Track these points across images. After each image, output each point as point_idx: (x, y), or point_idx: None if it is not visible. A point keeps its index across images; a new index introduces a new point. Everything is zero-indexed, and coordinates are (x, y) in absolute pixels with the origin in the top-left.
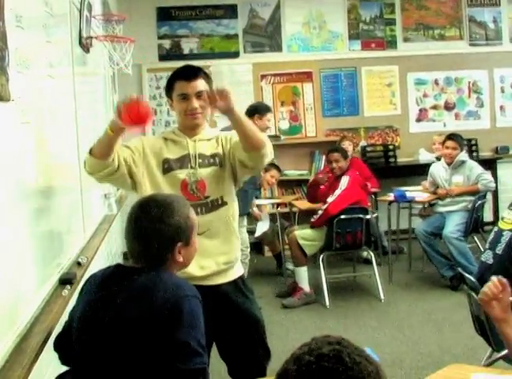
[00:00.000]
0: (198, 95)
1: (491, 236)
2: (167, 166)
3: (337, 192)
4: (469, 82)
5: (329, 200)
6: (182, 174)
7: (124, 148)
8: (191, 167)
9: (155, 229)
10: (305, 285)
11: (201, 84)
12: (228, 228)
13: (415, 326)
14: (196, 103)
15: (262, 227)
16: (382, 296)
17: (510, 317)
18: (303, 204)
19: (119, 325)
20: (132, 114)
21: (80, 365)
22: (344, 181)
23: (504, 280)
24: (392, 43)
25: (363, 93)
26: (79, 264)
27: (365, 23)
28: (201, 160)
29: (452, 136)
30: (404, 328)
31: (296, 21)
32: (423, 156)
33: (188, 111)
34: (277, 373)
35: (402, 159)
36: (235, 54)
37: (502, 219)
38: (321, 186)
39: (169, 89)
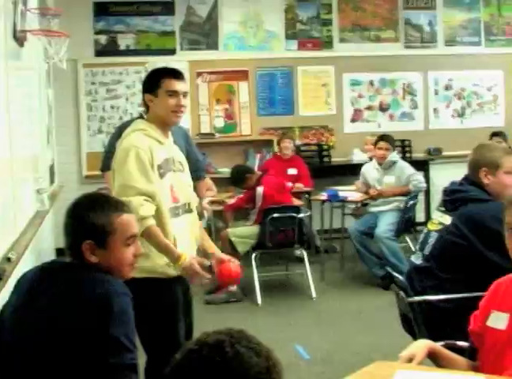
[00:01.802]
0: (184, 95)
1: (421, 237)
2: (162, 171)
3: (255, 211)
4: (404, 84)
5: (252, 217)
6: (169, 177)
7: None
8: (173, 171)
9: (67, 222)
10: None
11: (186, 86)
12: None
13: (346, 324)
14: (183, 101)
15: None
16: (313, 294)
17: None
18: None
19: (48, 320)
20: (225, 278)
21: (7, 361)
22: (259, 195)
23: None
24: (328, 44)
25: (299, 93)
26: (9, 259)
27: (302, 23)
28: (176, 164)
29: (384, 137)
30: (335, 326)
31: (233, 20)
32: (357, 156)
33: (176, 108)
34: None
35: (336, 159)
36: (172, 51)
37: (431, 220)
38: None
39: (154, 85)
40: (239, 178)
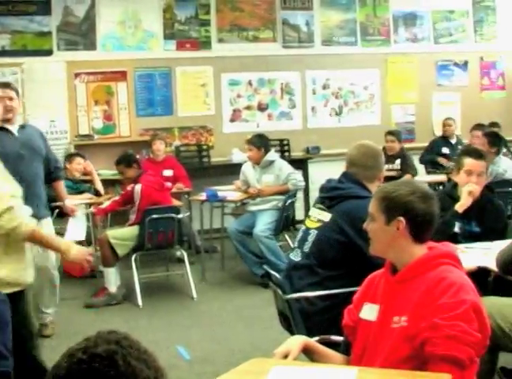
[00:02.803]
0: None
1: (300, 235)
2: None
3: (135, 209)
4: (282, 83)
5: (132, 217)
6: None
7: None
8: None
9: None
10: (111, 285)
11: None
12: None
13: (227, 323)
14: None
15: (76, 231)
16: (194, 295)
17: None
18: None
19: None
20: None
21: None
22: (137, 192)
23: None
24: (206, 44)
25: (178, 93)
26: None
27: (180, 23)
28: None
29: (250, 140)
30: (216, 326)
31: (111, 20)
32: (237, 156)
33: None
34: (53, 366)
35: (216, 159)
36: (49, 52)
37: (309, 217)
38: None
39: None
40: (128, 160)
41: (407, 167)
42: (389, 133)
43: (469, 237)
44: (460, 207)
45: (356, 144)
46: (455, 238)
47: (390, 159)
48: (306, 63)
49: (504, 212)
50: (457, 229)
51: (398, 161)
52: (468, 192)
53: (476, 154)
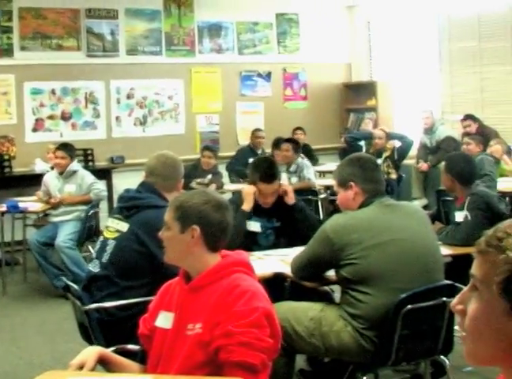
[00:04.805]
0: None
1: (98, 245)
2: None
3: None
4: (86, 93)
5: None
6: None
7: None
8: None
9: None
10: None
11: None
12: None
13: (28, 338)
14: None
15: None
16: None
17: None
18: None
19: None
20: None
21: None
22: None
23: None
24: (8, 51)
25: None
26: None
27: None
28: None
29: (60, 147)
30: (18, 340)
31: None
32: (39, 166)
33: None
34: None
35: (18, 169)
36: None
37: (107, 227)
38: None
39: None
40: None
41: (216, 181)
42: (207, 148)
43: (273, 233)
44: (246, 206)
45: (156, 154)
46: (255, 238)
47: (203, 173)
48: (111, 72)
49: (304, 205)
50: (258, 228)
51: (210, 176)
52: (245, 193)
53: (268, 178)
